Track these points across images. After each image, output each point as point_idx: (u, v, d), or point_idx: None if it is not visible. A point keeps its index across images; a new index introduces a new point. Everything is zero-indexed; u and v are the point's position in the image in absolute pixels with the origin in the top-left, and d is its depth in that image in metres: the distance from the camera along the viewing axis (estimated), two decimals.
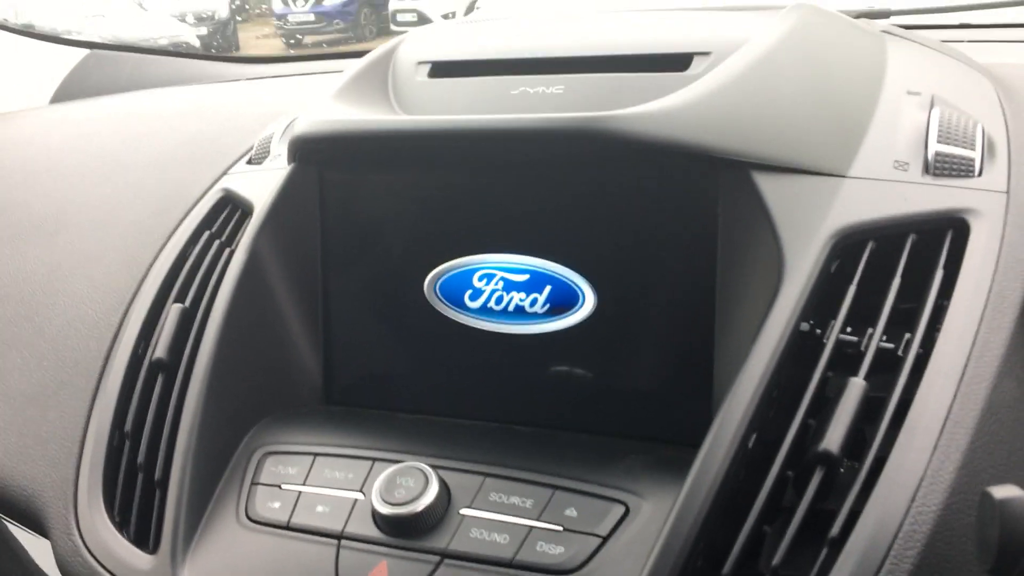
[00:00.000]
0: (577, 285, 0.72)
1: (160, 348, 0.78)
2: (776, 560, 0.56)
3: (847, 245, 0.65)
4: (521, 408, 0.74)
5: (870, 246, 0.65)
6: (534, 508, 0.64)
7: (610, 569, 0.60)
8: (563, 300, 0.72)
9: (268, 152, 0.92)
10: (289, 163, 0.80)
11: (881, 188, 0.67)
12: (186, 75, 1.62)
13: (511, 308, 0.73)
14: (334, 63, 1.56)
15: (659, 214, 0.69)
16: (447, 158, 0.75)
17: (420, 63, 0.84)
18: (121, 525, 0.73)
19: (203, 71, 1.65)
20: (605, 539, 0.62)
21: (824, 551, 0.56)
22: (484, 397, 0.75)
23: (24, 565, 0.89)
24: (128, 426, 0.76)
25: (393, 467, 0.67)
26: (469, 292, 0.74)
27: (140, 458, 0.74)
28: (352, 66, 0.85)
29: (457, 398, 0.76)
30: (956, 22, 1.29)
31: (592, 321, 0.71)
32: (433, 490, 0.65)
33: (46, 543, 0.78)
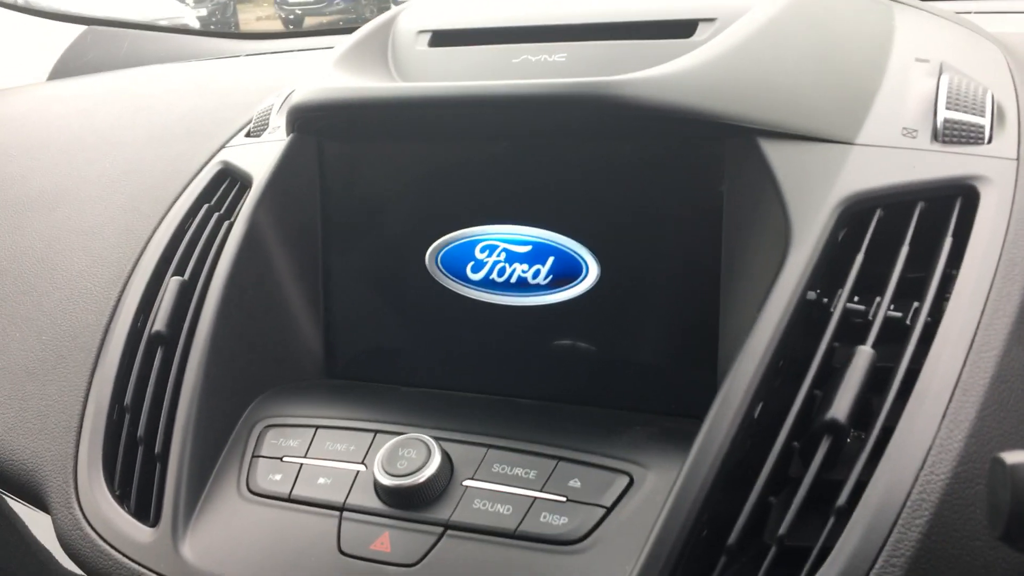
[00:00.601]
0: (580, 256, 0.71)
1: (159, 321, 0.77)
2: (782, 529, 0.56)
3: (855, 213, 0.64)
4: (523, 381, 0.73)
5: (878, 214, 0.64)
6: (537, 479, 0.64)
7: (615, 540, 0.60)
8: (566, 271, 0.71)
9: (267, 124, 0.91)
10: (288, 133, 0.79)
11: (889, 155, 0.66)
12: (184, 52, 1.60)
13: (514, 280, 0.72)
14: (332, 39, 1.54)
15: (663, 182, 0.68)
16: (448, 126, 0.74)
17: (420, 32, 0.83)
18: (121, 498, 0.73)
19: (201, 47, 1.63)
20: (609, 510, 0.61)
21: (831, 520, 0.56)
22: (486, 370, 0.74)
23: (24, 539, 0.89)
24: (128, 400, 0.76)
25: (395, 438, 0.66)
26: (471, 264, 0.74)
27: (140, 432, 0.74)
28: (351, 36, 0.84)
29: (459, 371, 0.75)
30: None
31: (595, 292, 0.70)
32: (436, 461, 0.64)
33: (45, 518, 0.78)
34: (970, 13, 1.03)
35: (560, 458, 0.64)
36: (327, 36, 1.64)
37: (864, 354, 0.59)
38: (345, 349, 0.79)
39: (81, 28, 1.62)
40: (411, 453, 0.65)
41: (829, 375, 0.60)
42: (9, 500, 0.89)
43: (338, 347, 0.79)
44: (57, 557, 0.84)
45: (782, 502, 0.58)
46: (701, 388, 0.67)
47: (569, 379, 0.72)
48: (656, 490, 0.61)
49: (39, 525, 0.86)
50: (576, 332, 0.71)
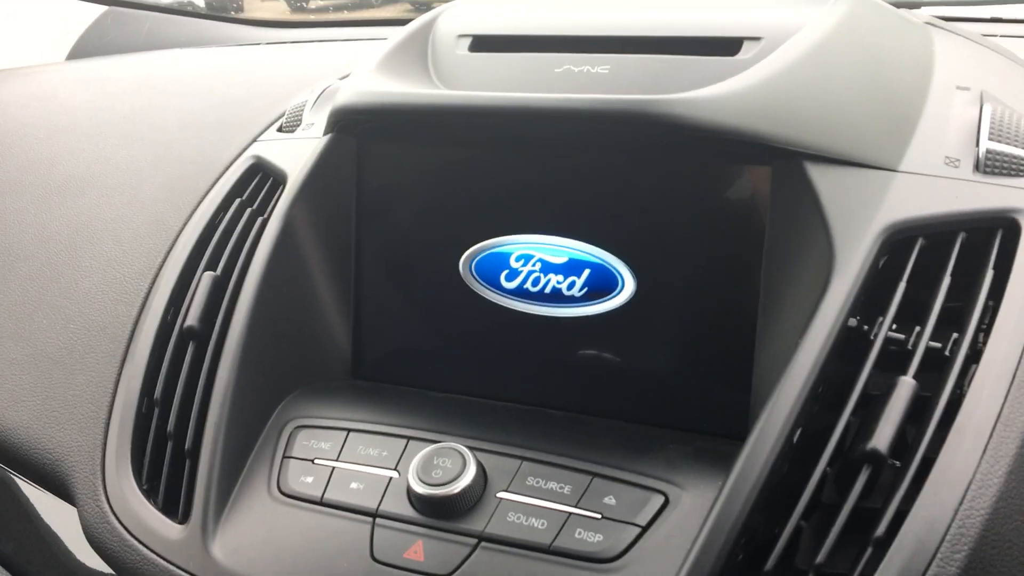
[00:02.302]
0: (617, 270, 0.71)
1: (192, 316, 0.77)
2: (820, 558, 0.56)
3: (896, 241, 0.64)
4: (555, 392, 0.73)
5: (919, 243, 0.64)
6: (572, 494, 0.64)
7: (649, 560, 0.60)
8: (601, 285, 0.71)
9: (300, 121, 0.91)
10: (327, 133, 0.79)
11: (932, 184, 0.66)
12: (204, 36, 1.59)
13: (548, 290, 0.72)
14: (352, 31, 1.53)
15: (705, 201, 0.68)
16: (490, 135, 0.74)
17: (460, 36, 0.82)
18: (149, 493, 0.73)
19: (220, 33, 1.63)
20: (644, 529, 0.61)
21: (869, 550, 0.56)
22: (517, 379, 0.74)
23: (42, 533, 0.88)
24: (157, 394, 0.75)
25: (430, 447, 0.66)
26: (505, 272, 0.74)
27: (170, 426, 0.74)
28: (391, 37, 0.84)
29: (489, 379, 0.75)
30: (987, 15, 1.28)
31: (630, 307, 0.70)
32: (471, 472, 0.64)
33: (66, 512, 0.78)
34: (995, 36, 1.03)
35: (595, 474, 0.64)
36: (345, 27, 1.63)
37: (906, 385, 0.59)
38: (374, 351, 0.79)
39: (102, 8, 1.62)
40: (446, 462, 0.65)
41: (867, 403, 0.60)
42: (25, 487, 0.89)
43: (367, 348, 0.79)
44: (76, 553, 0.84)
45: (814, 528, 0.58)
46: (734, 408, 0.67)
47: (600, 392, 0.72)
48: (692, 511, 0.61)
49: (58, 517, 0.86)
50: (609, 345, 0.72)
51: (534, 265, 0.73)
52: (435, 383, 0.77)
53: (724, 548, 0.57)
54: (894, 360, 0.61)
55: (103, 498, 0.73)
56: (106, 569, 0.84)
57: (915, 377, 0.59)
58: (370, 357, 0.79)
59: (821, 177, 0.65)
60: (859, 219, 0.64)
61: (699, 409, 0.69)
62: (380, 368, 0.79)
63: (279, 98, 0.99)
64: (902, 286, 0.63)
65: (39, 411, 0.81)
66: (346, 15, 1.95)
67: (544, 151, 0.72)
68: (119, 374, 0.79)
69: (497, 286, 0.74)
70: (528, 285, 0.73)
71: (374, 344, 0.79)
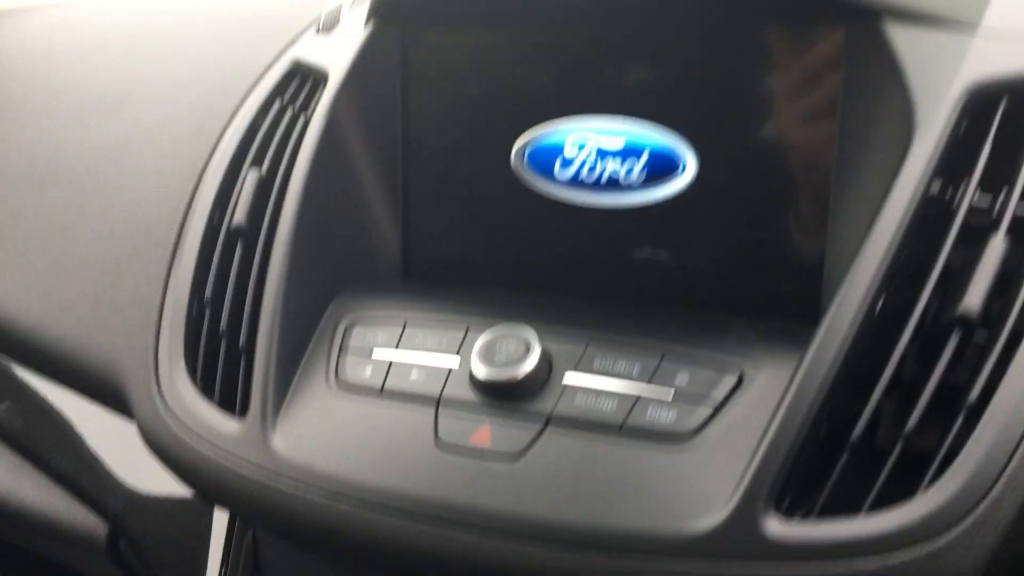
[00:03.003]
0: (677, 150, 0.68)
1: (239, 214, 0.75)
2: (911, 423, 0.53)
3: (979, 102, 0.61)
4: (614, 285, 0.70)
5: (1004, 103, 0.61)
6: (642, 374, 0.61)
7: (725, 437, 0.58)
8: (662, 167, 0.68)
9: (338, 21, 0.88)
10: (368, 21, 0.76)
11: (1016, 40, 0.62)
12: None
13: (605, 179, 0.69)
14: None
15: (774, 70, 0.65)
16: (542, 7, 0.70)
17: None
18: (205, 392, 0.71)
19: None
20: (719, 407, 0.59)
21: (959, 420, 0.53)
22: (575, 273, 0.71)
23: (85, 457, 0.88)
24: (207, 294, 0.74)
25: (492, 331, 0.64)
26: (559, 161, 0.71)
27: (222, 326, 0.72)
28: None
29: (545, 274, 0.72)
30: None
31: (693, 189, 0.67)
32: (535, 354, 0.62)
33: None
34: None
35: (665, 353, 0.62)
36: None
37: (996, 248, 0.56)
38: (424, 248, 0.77)
39: None
40: (510, 345, 0.63)
41: (950, 276, 0.57)
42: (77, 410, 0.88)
43: (417, 246, 0.77)
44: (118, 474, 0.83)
45: (897, 405, 0.56)
46: (806, 291, 0.64)
47: (661, 282, 0.69)
48: (768, 389, 0.59)
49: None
50: (671, 233, 0.69)
51: (589, 153, 0.70)
52: (488, 280, 0.75)
53: (804, 424, 0.55)
54: (977, 233, 0.58)
55: (158, 399, 0.72)
56: (155, 486, 0.84)
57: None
58: (421, 255, 0.77)
59: (898, 35, 0.61)
60: (940, 78, 0.60)
61: (770, 293, 0.66)
62: (431, 266, 0.77)
63: (314, 6, 0.96)
64: (987, 149, 0.59)
65: (87, 318, 0.79)
66: None
67: (597, 25, 0.69)
68: (167, 277, 0.77)
69: (551, 177, 0.71)
70: (584, 174, 0.70)
71: (424, 242, 0.77)
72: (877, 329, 0.57)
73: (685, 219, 0.68)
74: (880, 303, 0.57)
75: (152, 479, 0.86)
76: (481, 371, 0.62)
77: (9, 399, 0.98)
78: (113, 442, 0.89)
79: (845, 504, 0.54)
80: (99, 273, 0.82)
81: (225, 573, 0.80)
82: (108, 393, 0.79)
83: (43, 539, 1.01)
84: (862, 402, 0.55)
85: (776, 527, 0.54)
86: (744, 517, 0.54)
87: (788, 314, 0.65)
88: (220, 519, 0.80)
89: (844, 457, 0.54)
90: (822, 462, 0.55)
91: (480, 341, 0.64)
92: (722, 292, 0.68)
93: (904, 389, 0.56)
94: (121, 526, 0.90)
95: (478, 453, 0.61)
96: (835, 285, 0.59)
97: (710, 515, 0.55)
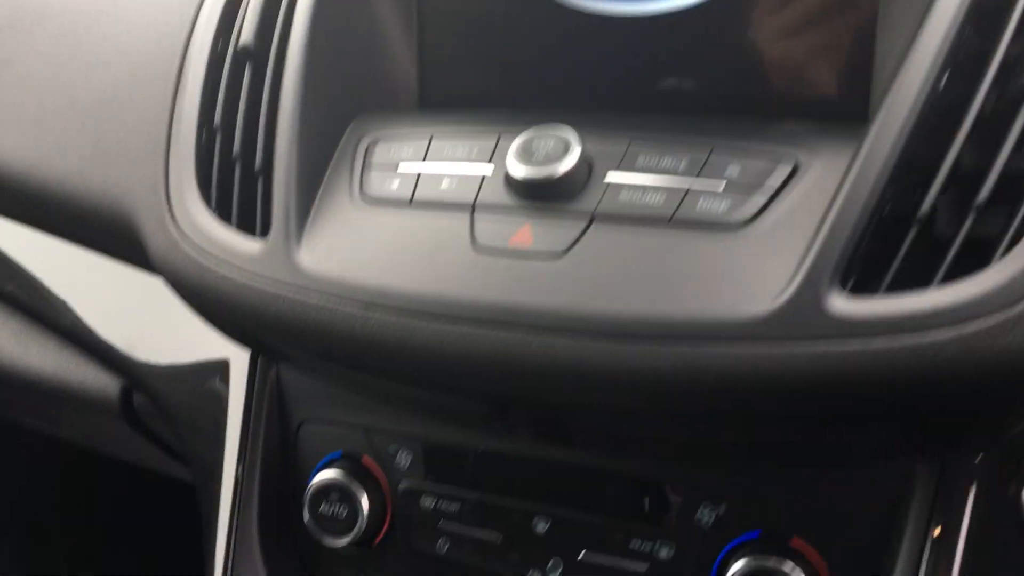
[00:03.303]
0: None
1: (245, 34, 0.70)
2: (983, 195, 0.50)
3: None
4: (649, 100, 0.66)
5: None
6: (690, 168, 0.58)
7: (783, 223, 0.54)
8: None
9: None
10: None
11: None
12: None
13: None
14: None
15: None
16: None
17: None
18: (222, 216, 0.68)
19: None
20: (775, 195, 0.56)
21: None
22: (604, 91, 0.66)
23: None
24: (217, 120, 0.69)
25: (528, 132, 0.60)
26: None
27: (235, 150, 0.68)
28: None
29: (572, 94, 0.68)
30: None
31: None
32: (576, 152, 0.58)
33: None
34: None
35: (714, 147, 0.58)
36: None
37: None
38: (441, 76, 0.71)
39: None
40: (548, 144, 0.59)
41: (1009, 62, 0.54)
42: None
43: (434, 74, 0.72)
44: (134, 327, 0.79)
45: (958, 192, 0.53)
46: (854, 89, 0.60)
47: (702, 92, 0.65)
48: (826, 175, 0.55)
49: None
50: (706, 40, 0.64)
51: None
52: (511, 101, 0.70)
53: (868, 204, 0.52)
54: None
55: (172, 226, 0.68)
56: (173, 336, 0.81)
57: None
58: (438, 82, 0.72)
59: None
60: None
61: (817, 94, 0.62)
62: (450, 93, 0.72)
63: None
64: None
65: (89, 155, 0.75)
66: None
67: None
68: (173, 106, 0.72)
69: None
70: None
71: (442, 67, 0.72)
72: (936, 115, 0.54)
73: (722, 21, 0.63)
74: (936, 96, 0.54)
75: (169, 329, 0.82)
76: (519, 170, 0.58)
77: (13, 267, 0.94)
78: (128, 296, 0.85)
79: (913, 280, 0.51)
80: (99, 108, 0.77)
81: (249, 418, 0.77)
82: (116, 235, 0.75)
83: (53, 405, 0.98)
84: (924, 187, 0.52)
85: (842, 304, 0.51)
86: (808, 296, 0.51)
87: (837, 114, 0.61)
88: (241, 359, 0.77)
89: (913, 231, 0.51)
90: (888, 241, 0.52)
91: (517, 141, 0.60)
92: (766, 97, 0.64)
93: (965, 178, 0.53)
94: (137, 379, 0.87)
95: (519, 254, 0.57)
96: (887, 80, 0.55)
97: (771, 297, 0.52)
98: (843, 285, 0.52)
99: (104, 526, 1.37)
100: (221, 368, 0.79)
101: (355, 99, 0.70)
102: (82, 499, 1.34)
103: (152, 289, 0.80)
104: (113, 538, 1.38)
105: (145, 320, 0.86)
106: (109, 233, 0.76)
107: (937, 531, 0.60)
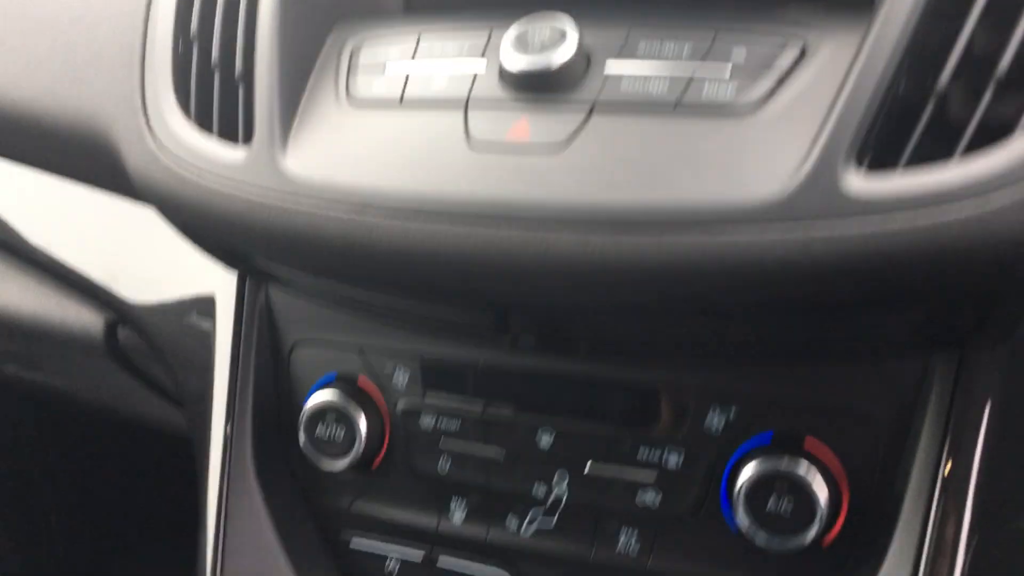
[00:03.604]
0: None
1: None
2: (1002, 67, 0.48)
3: None
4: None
5: None
6: (694, 54, 0.55)
7: (794, 105, 0.52)
8: None
9: None
10: None
11: None
12: None
13: None
14: None
15: None
16: None
17: None
18: (202, 126, 0.64)
19: None
20: (784, 78, 0.53)
21: None
22: None
23: None
24: (193, 29, 0.66)
25: (521, 22, 0.57)
26: None
27: (214, 58, 0.64)
28: None
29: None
30: None
31: None
32: (573, 39, 0.55)
33: None
34: None
35: (718, 32, 0.55)
36: None
37: None
38: None
39: None
40: (543, 33, 0.56)
41: None
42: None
43: None
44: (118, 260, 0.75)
45: (968, 84, 0.50)
46: None
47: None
48: (833, 59, 0.52)
49: None
50: None
51: None
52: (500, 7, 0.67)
53: (879, 89, 0.49)
54: None
55: (150, 139, 0.65)
56: (157, 265, 0.78)
57: None
58: None
59: None
60: None
61: None
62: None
63: None
64: None
65: (62, 72, 0.72)
66: None
67: None
68: (147, 15, 0.69)
69: None
70: None
71: None
72: (944, 8, 0.51)
73: None
74: None
75: (153, 261, 0.80)
76: (513, 61, 0.56)
77: None
78: (109, 229, 0.82)
79: (933, 156, 0.49)
80: (69, 24, 0.73)
81: (239, 343, 0.75)
82: (92, 156, 0.71)
83: (33, 346, 0.95)
84: (940, 63, 0.50)
85: (859, 182, 0.49)
86: (824, 175, 0.49)
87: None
88: (229, 283, 0.74)
89: (930, 107, 0.49)
90: (904, 118, 0.50)
91: (510, 32, 0.57)
92: None
93: (981, 53, 0.50)
94: (122, 313, 0.84)
95: (517, 148, 0.55)
96: None
97: (786, 178, 0.50)
98: (859, 163, 0.49)
99: (92, 477, 1.34)
100: (209, 297, 0.76)
101: (338, 3, 0.67)
102: (68, 451, 1.32)
103: (133, 221, 0.78)
104: (102, 489, 1.36)
105: (128, 253, 0.83)
106: (85, 154, 0.72)
107: (955, 429, 0.59)
